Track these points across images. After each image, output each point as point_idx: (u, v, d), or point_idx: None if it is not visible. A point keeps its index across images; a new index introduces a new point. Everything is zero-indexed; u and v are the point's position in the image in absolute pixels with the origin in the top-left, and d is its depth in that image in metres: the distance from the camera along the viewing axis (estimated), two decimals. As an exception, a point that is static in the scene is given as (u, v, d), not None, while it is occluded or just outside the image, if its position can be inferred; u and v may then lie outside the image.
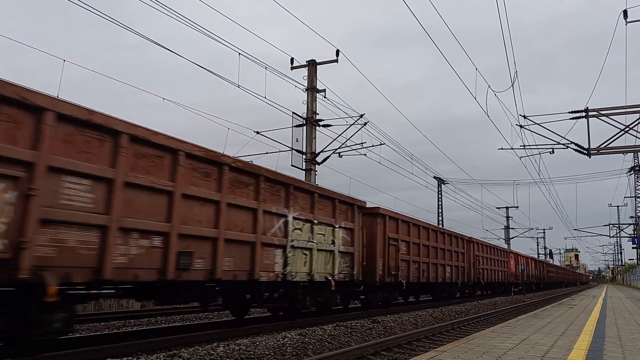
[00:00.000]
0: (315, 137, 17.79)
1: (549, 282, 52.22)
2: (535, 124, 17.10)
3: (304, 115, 17.69)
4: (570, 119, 16.62)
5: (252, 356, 6.84)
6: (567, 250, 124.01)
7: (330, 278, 11.72)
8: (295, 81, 17.59)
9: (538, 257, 69.21)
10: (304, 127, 17.66)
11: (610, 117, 16.03)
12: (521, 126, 17.39)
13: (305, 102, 17.90)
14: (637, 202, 48.49)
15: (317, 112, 17.95)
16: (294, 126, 17.47)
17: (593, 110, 16.16)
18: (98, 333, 9.49)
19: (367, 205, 14.09)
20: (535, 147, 17.97)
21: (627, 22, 14.63)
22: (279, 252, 10.05)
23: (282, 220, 10.20)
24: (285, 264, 10.18)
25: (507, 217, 55.35)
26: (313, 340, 8.33)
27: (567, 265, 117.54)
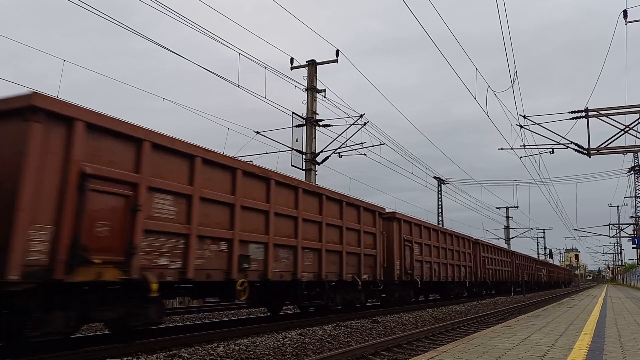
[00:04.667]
0: (315, 137, 17.79)
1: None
2: (535, 124, 17.11)
3: (304, 115, 17.69)
4: (570, 119, 16.63)
5: (252, 356, 6.83)
6: (567, 250, 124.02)
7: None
8: (295, 81, 17.60)
9: (538, 257, 68.82)
10: (304, 127, 17.67)
11: (610, 117, 16.04)
12: (521, 126, 17.40)
13: (305, 102, 17.90)
14: (637, 202, 48.50)
15: (317, 112, 17.95)
16: (294, 126, 17.48)
17: (593, 110, 16.17)
18: (98, 333, 9.49)
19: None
20: (535, 147, 17.98)
21: (627, 22, 14.64)
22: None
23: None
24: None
25: (507, 217, 55.40)
26: (313, 340, 8.33)
27: (566, 265, 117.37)
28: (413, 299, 18.35)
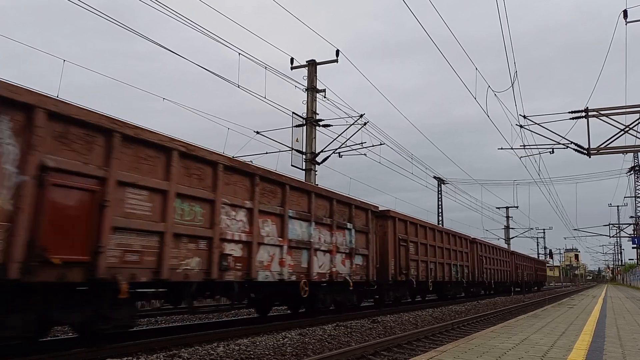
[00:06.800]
0: (315, 137, 17.78)
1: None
2: (535, 124, 17.11)
3: (304, 115, 17.69)
4: (570, 118, 16.62)
5: (252, 356, 6.83)
6: (567, 250, 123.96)
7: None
8: (295, 81, 17.59)
9: (538, 257, 68.69)
10: (304, 127, 17.66)
11: (610, 117, 16.03)
12: (521, 126, 17.39)
13: (305, 102, 17.90)
14: (637, 202, 48.50)
15: (317, 112, 17.95)
16: (294, 126, 17.47)
17: (593, 110, 16.16)
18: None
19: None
20: (535, 147, 17.98)
21: (626, 22, 14.65)
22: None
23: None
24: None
25: (507, 217, 55.38)
26: (313, 340, 8.33)
27: (566, 265, 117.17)
28: (409, 299, 17.73)
